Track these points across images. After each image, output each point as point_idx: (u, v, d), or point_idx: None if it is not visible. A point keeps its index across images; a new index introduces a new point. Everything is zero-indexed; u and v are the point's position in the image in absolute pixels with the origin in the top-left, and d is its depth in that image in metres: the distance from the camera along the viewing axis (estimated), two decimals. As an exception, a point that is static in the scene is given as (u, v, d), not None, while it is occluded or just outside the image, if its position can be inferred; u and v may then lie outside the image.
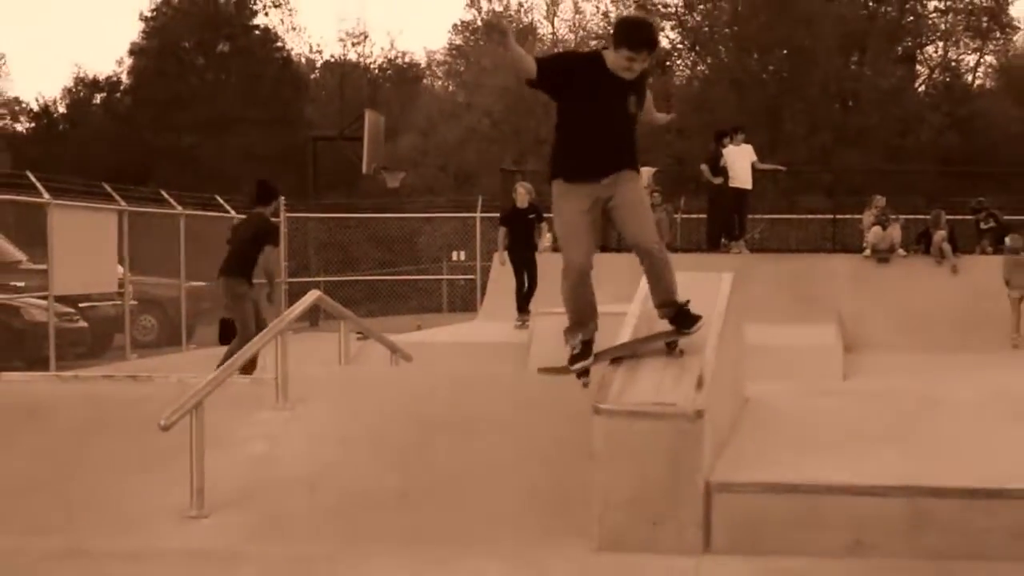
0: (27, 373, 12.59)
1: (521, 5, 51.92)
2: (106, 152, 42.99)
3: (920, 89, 47.12)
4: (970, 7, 47.03)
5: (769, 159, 23.54)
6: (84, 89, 49.87)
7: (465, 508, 6.71)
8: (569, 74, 6.63)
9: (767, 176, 23.31)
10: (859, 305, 19.02)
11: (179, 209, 20.26)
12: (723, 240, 21.05)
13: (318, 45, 54.09)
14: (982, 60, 48.92)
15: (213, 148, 42.65)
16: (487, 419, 7.34)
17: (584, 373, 6.96)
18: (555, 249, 21.29)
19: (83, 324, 18.05)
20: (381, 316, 15.45)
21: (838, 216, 25.33)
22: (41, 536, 6.83)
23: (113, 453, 7.65)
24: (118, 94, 48.49)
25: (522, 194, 16.99)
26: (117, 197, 18.66)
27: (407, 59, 54.87)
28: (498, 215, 18.86)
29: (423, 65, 54.50)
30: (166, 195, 20.62)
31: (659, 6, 48.31)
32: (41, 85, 70.94)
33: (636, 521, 6.54)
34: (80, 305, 18.00)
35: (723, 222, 21.27)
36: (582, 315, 6.89)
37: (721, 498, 6.60)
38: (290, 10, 49.88)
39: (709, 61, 46.98)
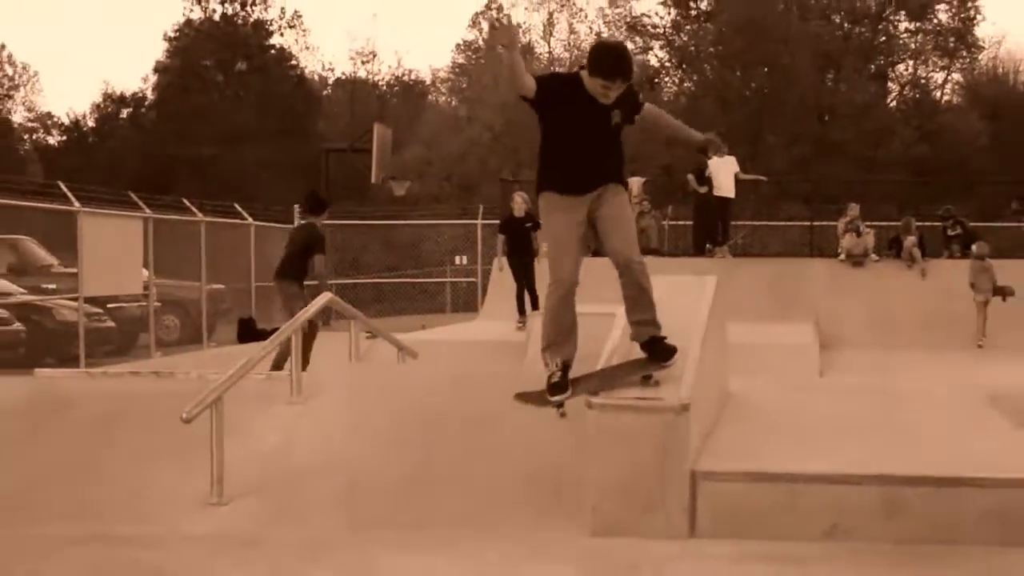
0: (58, 369, 12.58)
1: (519, 25, 51.98)
2: (132, 163, 43.03)
3: (892, 104, 47.19)
4: (938, 28, 47.16)
5: (751, 170, 23.55)
6: (112, 104, 49.91)
7: (467, 495, 6.72)
8: (555, 95, 6.41)
9: (749, 185, 23.31)
10: (835, 306, 19.03)
11: (200, 216, 20.27)
12: (708, 245, 21.08)
13: (330, 63, 54.48)
14: (949, 77, 49.07)
15: (231, 159, 42.65)
16: (487, 413, 7.34)
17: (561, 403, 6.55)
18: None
19: (111, 324, 18.06)
20: (388, 316, 15.45)
21: (815, 223, 25.36)
22: (70, 522, 6.82)
23: (138, 444, 7.66)
24: (143, 109, 48.52)
25: (519, 203, 16.92)
26: (142, 205, 18.66)
27: (413, 76, 55.04)
28: (497, 222, 18.85)
29: (428, 82, 54.64)
30: (188, 203, 20.62)
31: (648, 27, 48.49)
32: (72, 101, 71.05)
33: (627, 508, 6.54)
34: (108, 306, 18.00)
35: (708, 228, 21.29)
36: (563, 334, 6.52)
37: (706, 486, 6.61)
38: (304, 31, 50.18)
39: (695, 78, 47.03)
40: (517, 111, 43.95)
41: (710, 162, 21.03)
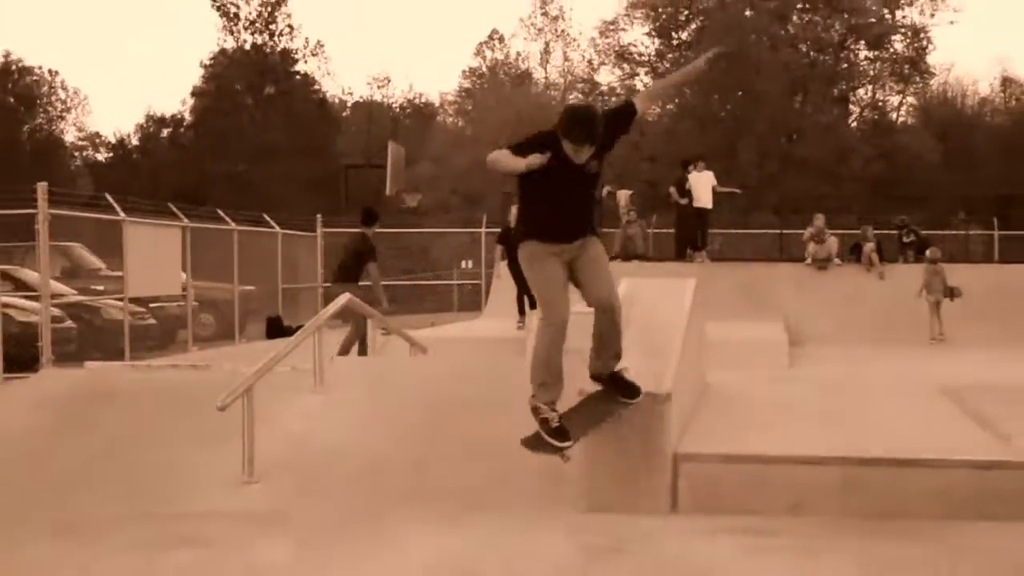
0: (105, 363, 12.60)
1: (519, 54, 52.08)
2: (171, 177, 43.06)
3: (852, 125, 47.21)
4: (894, 56, 47.20)
5: (726, 183, 23.54)
6: (153, 125, 49.95)
7: (470, 475, 6.75)
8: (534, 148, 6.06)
9: (725, 197, 23.33)
10: (802, 306, 19.03)
11: (232, 225, 20.28)
12: (688, 251, 21.08)
13: (349, 88, 54.35)
14: (904, 101, 49.11)
15: (261, 174, 42.67)
16: (489, 401, 7.38)
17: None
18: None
19: (152, 321, 18.07)
20: (401, 315, 15.52)
21: (784, 231, 25.44)
22: (117, 500, 6.86)
23: (177, 430, 7.70)
24: (182, 129, 48.55)
25: (513, 215, 16.76)
26: (180, 215, 18.67)
27: (423, 99, 55.09)
28: (499, 231, 18.80)
29: (437, 104, 54.61)
30: (222, 213, 20.63)
31: (635, 55, 48.49)
32: (118, 122, 71.06)
33: (616, 486, 6.59)
34: (150, 305, 18.00)
35: (688, 236, 21.30)
36: (554, 375, 6.11)
37: (686, 467, 6.65)
38: (325, 59, 50.15)
39: (676, 101, 47.00)
40: (516, 132, 44.01)
41: (690, 177, 21.10)
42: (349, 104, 52.91)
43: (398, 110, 53.81)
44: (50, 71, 51.11)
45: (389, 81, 53.43)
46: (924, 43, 47.00)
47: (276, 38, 46.19)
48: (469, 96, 51.61)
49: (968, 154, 43.37)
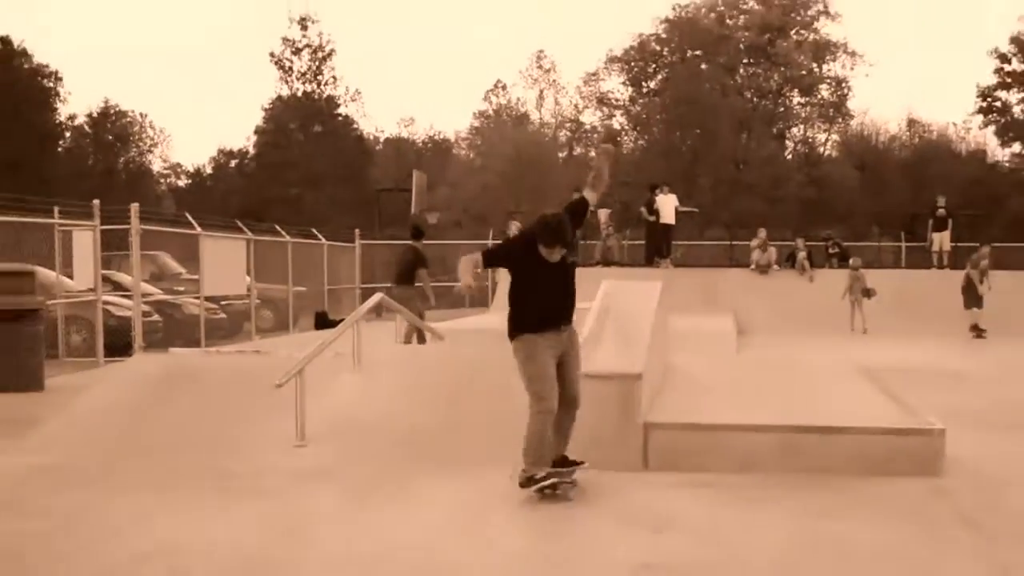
0: (185, 349, 12.61)
1: (518, 99, 52.00)
2: (238, 199, 42.97)
3: (788, 157, 47.13)
4: (821, 102, 47.23)
5: (687, 204, 23.55)
6: (223, 157, 49.88)
7: (485, 441, 6.73)
8: (517, 260, 5.89)
9: (685, 215, 23.33)
10: (747, 303, 19.06)
11: (287, 238, 20.30)
12: (655, 259, 21.09)
13: (381, 127, 54.14)
14: (829, 137, 49.03)
15: (310, 197, 42.62)
16: (497, 381, 7.35)
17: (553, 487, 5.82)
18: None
19: (223, 316, 18.08)
20: (425, 309, 15.61)
21: (733, 243, 25.41)
22: (195, 459, 6.86)
23: (243, 403, 7.68)
24: (246, 160, 48.44)
25: (513, 229, 16.55)
26: (245, 230, 18.69)
27: (441, 136, 54.95)
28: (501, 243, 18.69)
29: (452, 140, 54.56)
30: (278, 228, 20.65)
31: (612, 100, 48.45)
32: (195, 154, 71.17)
33: (597, 449, 6.56)
34: (221, 303, 18.03)
35: (655, 246, 21.33)
36: (545, 448, 5.78)
37: (654, 433, 6.66)
38: (362, 103, 50.57)
39: (646, 138, 47.01)
40: (517, 163, 44.02)
41: (657, 198, 21.13)
42: (381, 140, 52.79)
43: (421, 145, 53.77)
44: (140, 114, 51.02)
45: (413, 121, 53.64)
46: (845, 91, 46.99)
47: (322, 87, 46.05)
48: (479, 133, 51.57)
49: (880, 181, 43.28)
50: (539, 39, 78.94)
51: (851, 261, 19.31)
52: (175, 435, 7.34)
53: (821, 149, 48.45)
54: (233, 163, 49.55)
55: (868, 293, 18.28)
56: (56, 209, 14.54)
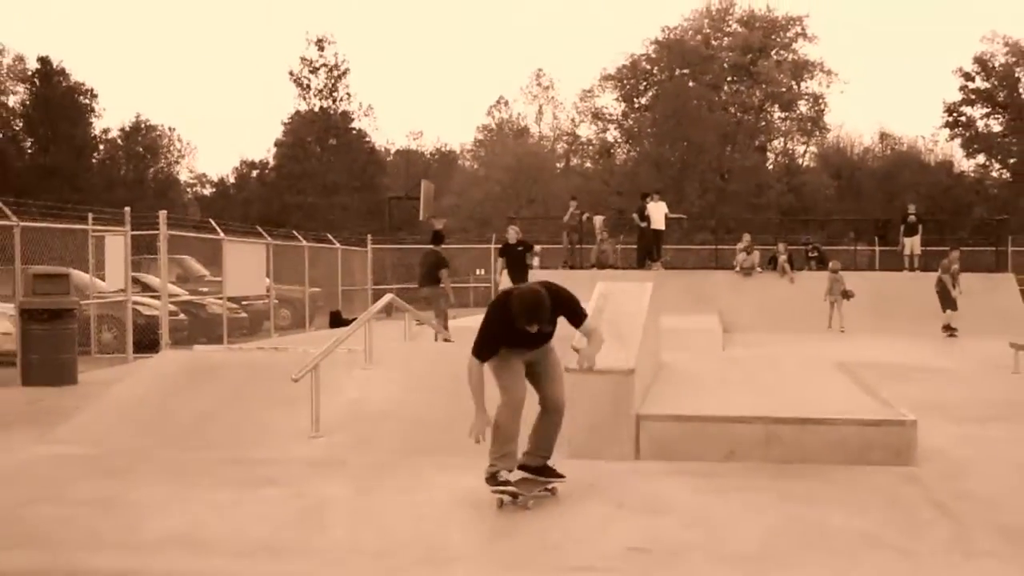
0: (209, 346, 12.58)
1: (519, 114, 52.00)
2: (258, 207, 42.98)
3: (769, 167, 47.13)
4: (800, 116, 47.36)
5: (676, 211, 23.51)
6: (246, 167, 49.94)
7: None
8: (500, 339, 5.30)
9: (674, 221, 23.30)
10: (732, 303, 19.01)
11: (304, 243, 20.25)
12: (647, 262, 21.03)
13: (391, 140, 54.08)
14: (808, 149, 49.03)
15: (325, 204, 42.60)
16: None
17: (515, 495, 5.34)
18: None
19: (244, 315, 18.05)
20: (430, 309, 15.45)
21: (719, 247, 25.32)
22: (216, 448, 6.83)
23: (262, 396, 7.65)
24: (267, 170, 48.48)
25: (512, 233, 16.32)
26: (265, 235, 18.66)
27: (448, 147, 55.04)
28: (499, 246, 18.58)
29: (458, 151, 54.58)
30: (296, 234, 20.62)
31: (606, 115, 48.48)
32: (219, 165, 71.27)
33: (592, 439, 6.54)
34: (242, 303, 18.00)
35: (646, 250, 21.26)
36: (511, 443, 5.33)
37: (646, 424, 6.60)
38: (374, 118, 50.46)
39: (638, 150, 46.99)
40: (517, 174, 43.99)
41: (648, 206, 21.07)
42: (392, 152, 52.81)
43: (429, 156, 53.78)
44: (169, 128, 51.17)
45: (422, 134, 53.72)
46: (822, 107, 47.10)
47: (338, 103, 46.04)
48: (482, 145, 51.60)
49: (855, 189, 43.29)
50: (538, 59, 79.13)
51: (831, 264, 19.25)
52: (198, 426, 7.30)
53: (800, 160, 48.49)
54: (254, 173, 49.58)
55: (847, 294, 18.23)
56: (90, 216, 14.53)
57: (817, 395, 7.62)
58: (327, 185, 43.58)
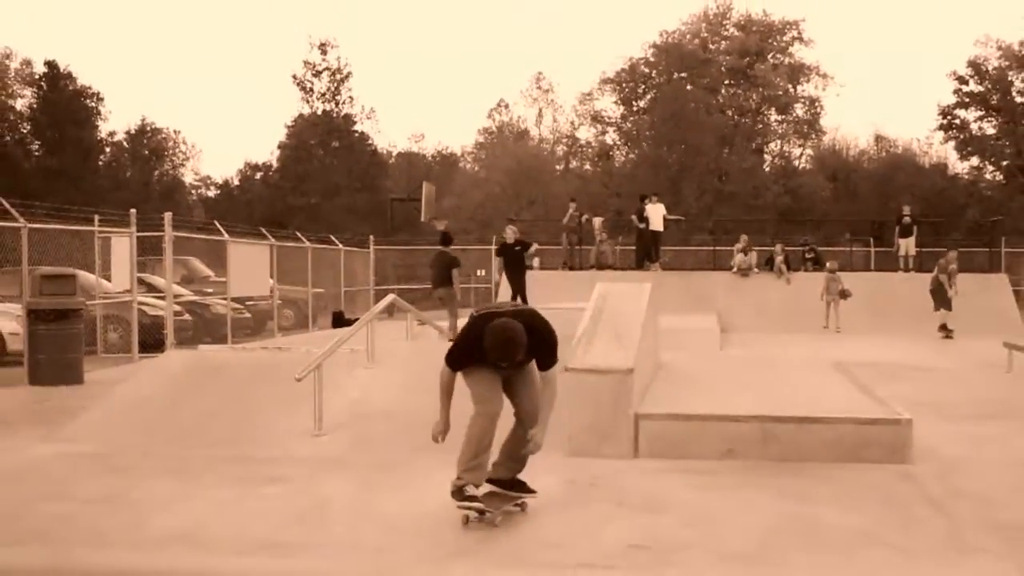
0: (213, 345, 12.58)
1: (519, 117, 51.98)
2: (262, 208, 42.93)
3: (766, 169, 47.09)
4: (796, 119, 47.35)
5: (674, 212, 23.50)
6: (250, 169, 49.83)
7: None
8: (474, 359, 4.96)
9: (673, 223, 23.27)
10: (730, 303, 19.00)
11: (307, 244, 20.25)
12: (645, 262, 21.02)
13: (393, 143, 54.15)
14: (804, 151, 49.01)
15: (328, 206, 42.57)
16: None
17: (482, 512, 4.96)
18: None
19: (248, 315, 18.04)
20: (433, 310, 15.32)
21: (716, 248, 25.30)
22: (220, 446, 6.82)
23: (266, 395, 7.65)
24: (270, 172, 48.43)
25: (510, 233, 16.17)
26: (269, 236, 18.66)
27: (449, 150, 54.91)
28: (497, 246, 18.54)
29: (459, 153, 54.53)
30: (299, 235, 20.62)
31: (605, 117, 48.47)
32: (223, 167, 71.21)
33: (592, 438, 6.54)
34: (246, 303, 18.00)
35: (645, 251, 21.25)
36: (481, 456, 4.94)
37: (644, 423, 6.60)
38: (376, 120, 50.75)
39: (636, 152, 46.94)
40: (517, 176, 43.96)
41: (646, 207, 21.07)
42: (394, 154, 52.75)
43: (430, 158, 53.73)
44: (174, 131, 51.06)
45: (423, 137, 53.68)
46: (818, 110, 47.08)
47: (340, 106, 46.01)
48: (483, 148, 51.55)
49: (851, 191, 43.25)
50: (538, 62, 79.16)
51: (828, 264, 19.23)
52: (203, 425, 7.29)
53: (796, 162, 48.45)
54: (258, 175, 49.54)
55: (844, 294, 18.21)
56: (96, 218, 14.53)
57: (814, 394, 7.61)
58: (330, 187, 43.58)
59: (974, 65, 43.32)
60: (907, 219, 21.28)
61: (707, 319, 16.78)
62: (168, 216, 14.56)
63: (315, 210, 41.99)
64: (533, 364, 5.05)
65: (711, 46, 46.70)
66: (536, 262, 20.35)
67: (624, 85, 47.11)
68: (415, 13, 76.05)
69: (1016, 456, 6.72)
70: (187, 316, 15.87)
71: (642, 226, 21.03)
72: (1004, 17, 62.97)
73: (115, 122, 62.86)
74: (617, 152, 49.06)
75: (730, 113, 46.51)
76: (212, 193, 52.47)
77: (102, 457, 6.61)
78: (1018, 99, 42.96)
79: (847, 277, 19.08)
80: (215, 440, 6.96)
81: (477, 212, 42.74)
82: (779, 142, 48.84)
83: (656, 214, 20.97)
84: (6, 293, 13.60)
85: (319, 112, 45.80)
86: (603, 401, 6.53)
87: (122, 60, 70.88)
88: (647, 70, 46.67)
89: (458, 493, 4.94)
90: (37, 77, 43.91)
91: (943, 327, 16.92)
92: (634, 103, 47.56)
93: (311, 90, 45.67)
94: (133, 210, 14.31)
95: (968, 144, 44.24)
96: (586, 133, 50.07)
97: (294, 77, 45.59)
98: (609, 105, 48.30)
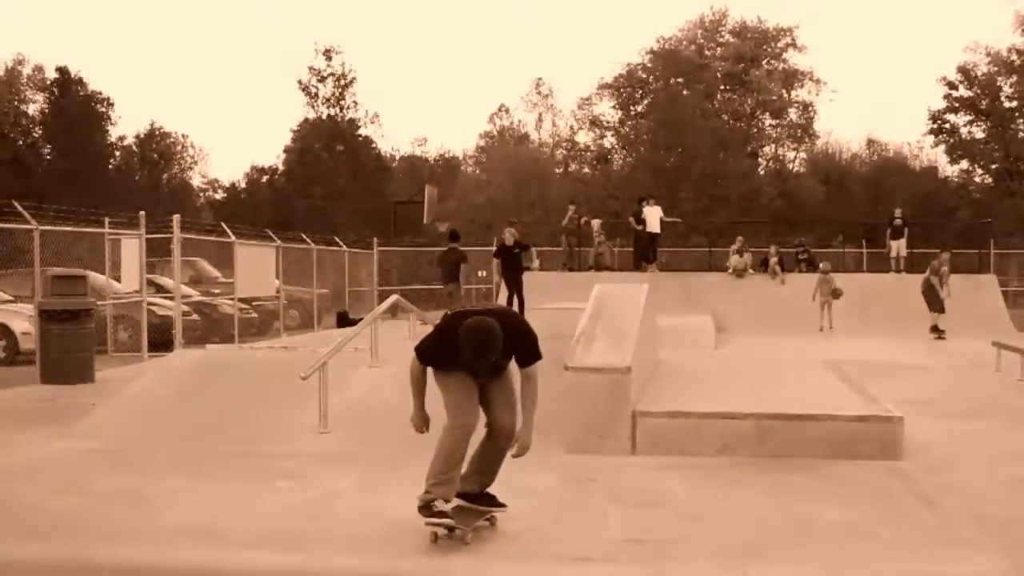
0: (220, 345, 12.59)
1: (519, 121, 51.98)
2: (268, 211, 42.90)
3: (761, 172, 47.11)
4: (790, 123, 47.36)
5: (670, 214, 23.51)
6: (256, 172, 49.88)
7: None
8: (446, 357, 4.62)
9: (669, 225, 23.29)
10: (725, 303, 19.02)
11: (312, 245, 20.27)
12: (643, 263, 21.04)
13: (396, 147, 53.96)
14: (798, 155, 49.02)
15: (333, 208, 42.55)
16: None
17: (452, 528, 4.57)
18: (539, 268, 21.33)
19: (254, 315, 18.07)
20: (435, 310, 15.32)
21: (712, 249, 25.32)
22: (228, 443, 6.84)
23: (272, 393, 7.66)
24: (276, 175, 48.45)
25: (508, 235, 16.15)
26: (275, 238, 18.68)
27: (451, 154, 54.94)
28: (495, 248, 18.54)
29: (460, 157, 54.52)
30: (304, 237, 20.63)
31: (604, 122, 48.49)
32: (230, 171, 71.34)
33: (590, 435, 6.56)
34: (253, 303, 18.02)
35: (642, 253, 21.27)
36: (451, 471, 4.55)
37: (642, 421, 6.62)
38: (380, 125, 50.66)
39: (634, 155, 46.95)
40: (517, 179, 43.94)
41: (644, 209, 21.10)
42: (397, 157, 52.74)
43: (432, 162, 53.72)
44: (183, 135, 51.14)
45: (426, 141, 53.61)
46: (811, 114, 47.12)
47: (345, 111, 46.01)
48: (484, 152, 51.55)
49: (843, 194, 43.23)
50: (538, 68, 79.09)
51: (821, 265, 19.25)
52: (211, 422, 7.31)
53: (790, 166, 48.46)
54: (265, 178, 49.54)
55: (836, 293, 18.23)
56: (106, 220, 14.56)
57: (807, 392, 7.63)
58: (334, 190, 43.57)
59: (964, 71, 43.37)
60: (898, 221, 21.31)
61: (703, 319, 16.78)
62: (176, 218, 14.58)
63: (320, 212, 41.99)
64: (510, 373, 4.71)
65: (707, 52, 46.73)
66: (536, 263, 20.38)
67: (622, 90, 47.12)
68: (418, 19, 76.09)
69: (1004, 452, 6.75)
70: (195, 316, 15.89)
71: (639, 228, 21.05)
72: (993, 24, 62.96)
73: (125, 126, 62.98)
74: (615, 156, 49.07)
75: (725, 118, 46.52)
76: (219, 196, 52.47)
77: (114, 453, 6.64)
78: (1006, 104, 43.02)
79: (840, 278, 19.10)
80: (223, 437, 6.98)
81: (478, 214, 42.74)
82: (773, 146, 48.87)
83: (653, 216, 20.99)
84: (19, 293, 13.64)
85: (324, 117, 45.81)
86: (602, 399, 6.55)
87: (132, 66, 70.93)
88: (645, 76, 46.68)
89: (426, 508, 4.53)
90: (49, 83, 43.96)
91: (934, 328, 16.92)
92: (632, 108, 47.56)
93: (316, 95, 45.70)
94: (142, 212, 14.33)
95: (958, 148, 44.28)
96: (585, 137, 50.14)
97: (299, 82, 45.63)
98: (607, 110, 48.38)
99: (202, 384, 8.00)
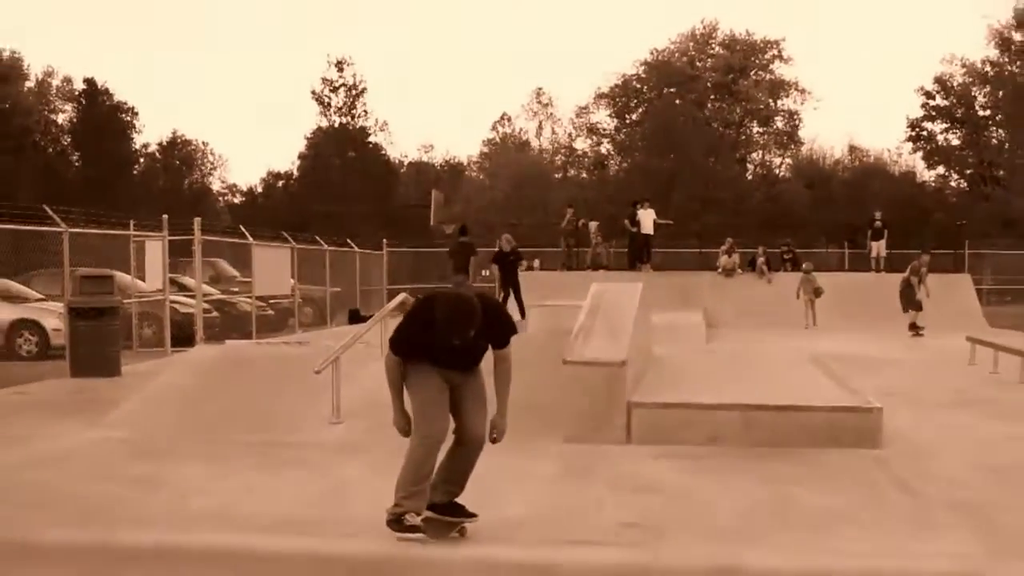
0: (239, 340, 12.60)
1: (521, 129, 51.94)
2: (284, 214, 42.90)
3: (749, 177, 47.06)
4: (777, 131, 47.31)
5: (664, 217, 23.49)
6: (272, 178, 49.89)
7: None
8: (418, 342, 4.28)
9: (663, 227, 23.29)
10: (715, 301, 19.02)
11: (325, 247, 20.30)
12: (637, 264, 21.05)
13: (404, 153, 53.85)
14: (784, 161, 48.94)
15: (345, 212, 42.54)
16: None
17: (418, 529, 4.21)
18: (528, 268, 21.22)
19: (271, 312, 18.10)
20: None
21: (703, 250, 25.35)
22: (246, 433, 6.84)
23: (288, 386, 7.66)
24: (291, 181, 48.47)
25: (505, 243, 15.83)
26: (290, 240, 18.71)
27: (456, 159, 54.87)
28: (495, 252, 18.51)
29: (465, 163, 54.47)
30: (318, 239, 20.66)
31: (600, 129, 48.48)
32: (248, 176, 71.31)
33: (587, 425, 6.56)
34: (270, 301, 18.04)
35: (637, 253, 21.30)
36: (420, 483, 4.22)
37: (637, 411, 6.63)
38: (389, 132, 50.62)
39: (629, 161, 46.92)
40: (518, 184, 43.92)
41: (638, 212, 21.13)
42: (405, 163, 52.73)
43: (439, 167, 53.68)
44: (203, 142, 51.13)
45: (433, 147, 53.51)
46: (797, 122, 47.05)
47: (356, 119, 46.01)
48: (487, 157, 51.51)
49: (827, 197, 43.16)
50: (538, 78, 78.91)
51: (804, 265, 19.26)
52: (231, 413, 7.32)
53: (777, 171, 48.41)
54: (280, 183, 49.54)
55: (818, 292, 18.24)
56: (131, 223, 14.59)
57: (792, 385, 7.65)
58: (346, 194, 43.58)
59: (940, 81, 43.35)
60: (878, 224, 21.32)
61: (694, 316, 16.79)
62: (197, 221, 14.59)
63: (333, 216, 42.02)
64: (481, 374, 4.40)
65: (698, 63, 46.67)
66: (537, 263, 20.40)
67: (618, 99, 47.07)
68: (425, 32, 76.08)
69: (977, 441, 6.76)
70: (215, 313, 15.91)
71: (634, 230, 21.07)
72: (968, 37, 62.89)
73: (148, 134, 62.64)
74: (611, 161, 49.04)
75: (715, 125, 46.48)
76: (238, 200, 52.50)
77: (140, 442, 6.66)
78: (980, 113, 43.00)
79: (823, 277, 19.10)
80: (242, 427, 6.99)
81: (482, 217, 42.70)
82: (761, 152, 48.82)
83: (647, 219, 21.02)
84: (49, 292, 13.67)
85: (336, 125, 45.82)
86: (598, 391, 6.56)
87: (155, 77, 71.01)
88: (639, 85, 46.65)
89: (396, 523, 4.18)
90: (77, 93, 44.03)
91: (913, 326, 16.88)
92: (627, 116, 47.52)
93: (329, 104, 45.71)
94: (165, 216, 14.37)
95: (935, 154, 44.29)
96: (583, 144, 50.08)
97: (313, 92, 45.63)
98: (604, 118, 48.33)
99: (222, 377, 8.02)
